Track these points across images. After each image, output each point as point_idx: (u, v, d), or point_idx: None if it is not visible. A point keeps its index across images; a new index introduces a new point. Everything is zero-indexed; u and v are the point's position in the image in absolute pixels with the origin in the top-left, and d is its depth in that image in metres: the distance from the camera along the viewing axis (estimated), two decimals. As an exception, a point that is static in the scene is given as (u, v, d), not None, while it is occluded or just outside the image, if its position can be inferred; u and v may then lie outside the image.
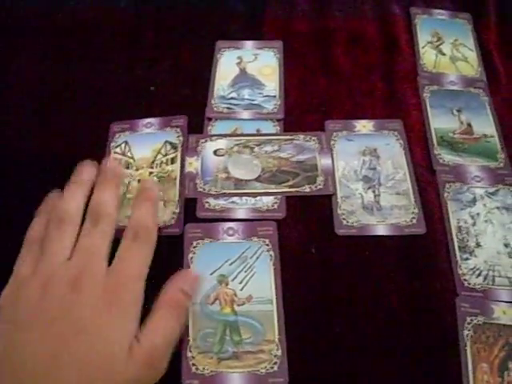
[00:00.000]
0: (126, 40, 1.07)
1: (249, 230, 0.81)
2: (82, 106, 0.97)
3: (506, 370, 0.71)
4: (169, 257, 0.79)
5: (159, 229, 0.75)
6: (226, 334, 0.73)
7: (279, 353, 0.71)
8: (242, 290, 0.76)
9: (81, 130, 0.93)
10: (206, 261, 0.78)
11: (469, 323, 0.75)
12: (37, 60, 1.05)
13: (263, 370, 0.70)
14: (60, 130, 0.94)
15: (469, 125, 0.95)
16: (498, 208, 0.85)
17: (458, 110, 0.97)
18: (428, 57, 1.05)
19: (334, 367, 0.72)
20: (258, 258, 0.79)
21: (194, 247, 0.80)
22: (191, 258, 0.79)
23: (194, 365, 0.70)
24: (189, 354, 0.71)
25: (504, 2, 1.17)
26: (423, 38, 1.09)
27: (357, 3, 1.15)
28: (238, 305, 0.75)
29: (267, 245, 0.79)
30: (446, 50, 1.07)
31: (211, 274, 0.77)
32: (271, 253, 0.79)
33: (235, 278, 0.77)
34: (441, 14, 1.14)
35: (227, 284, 0.76)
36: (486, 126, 0.95)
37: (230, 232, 0.81)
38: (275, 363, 0.70)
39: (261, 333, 0.72)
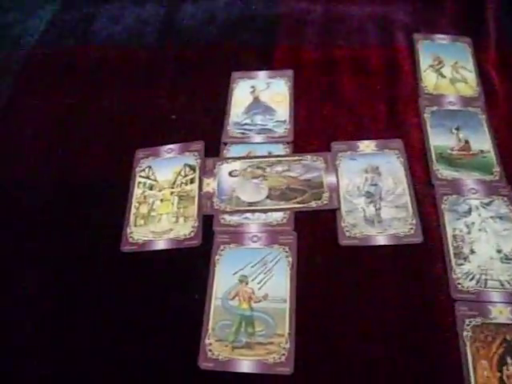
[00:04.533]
0: (148, 74, 1.17)
1: (271, 238, 0.90)
2: (109, 136, 1.07)
3: (504, 365, 0.77)
4: (192, 265, 0.89)
5: (182, 241, 0.87)
6: (241, 326, 0.82)
7: (287, 346, 0.79)
8: (259, 289, 0.85)
9: (108, 157, 1.03)
10: (230, 262, 0.88)
11: (468, 325, 0.81)
12: (67, 94, 1.16)
13: (271, 360, 0.78)
14: (88, 157, 1.04)
15: (466, 142, 1.01)
16: (492, 217, 0.91)
17: (457, 129, 1.03)
18: (429, 79, 1.13)
19: (334, 364, 0.79)
20: (276, 262, 0.87)
21: (222, 250, 0.89)
22: (217, 259, 0.88)
23: (210, 350, 0.79)
24: (207, 341, 0.80)
25: (503, 25, 1.23)
26: (425, 61, 1.17)
27: (362, 32, 1.23)
28: (255, 302, 0.84)
29: (286, 251, 0.88)
30: (447, 73, 1.14)
31: (234, 273, 0.87)
32: (289, 259, 0.87)
33: (255, 278, 0.86)
34: (442, 39, 1.21)
35: (247, 283, 0.86)
36: (482, 142, 1.02)
37: (254, 239, 0.90)
38: (283, 354, 0.78)
39: (273, 327, 0.81)
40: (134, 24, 1.29)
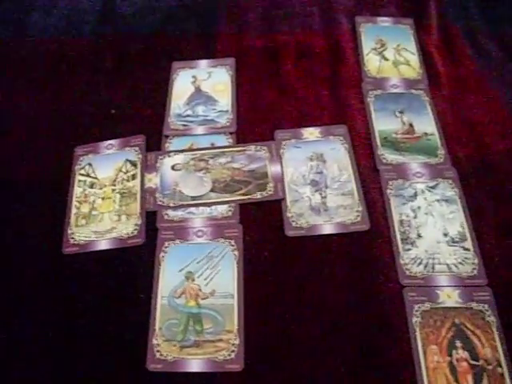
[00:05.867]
0: (86, 66, 1.13)
1: (216, 232, 0.88)
2: (45, 132, 1.03)
3: (454, 349, 0.77)
4: (136, 264, 0.86)
5: (125, 239, 0.85)
6: (189, 324, 0.80)
7: (237, 342, 0.78)
8: (206, 285, 0.83)
9: (46, 154, 0.99)
10: (175, 259, 0.86)
11: (416, 310, 0.80)
12: (2, 88, 1.11)
13: (221, 357, 0.76)
14: (24, 156, 1.00)
15: (410, 125, 1.01)
16: (437, 200, 0.91)
17: (401, 112, 1.03)
18: (372, 63, 1.12)
19: (286, 357, 0.78)
20: (223, 257, 0.86)
21: (166, 247, 0.86)
22: (162, 256, 0.85)
23: (158, 351, 0.78)
24: (154, 342, 0.78)
25: (445, 6, 1.23)
26: (367, 44, 1.16)
27: (305, 17, 1.21)
28: (202, 298, 0.82)
29: (232, 245, 0.86)
30: (389, 55, 1.14)
31: (180, 270, 0.85)
32: (235, 252, 0.86)
33: (201, 274, 0.84)
34: (384, 21, 1.21)
35: (193, 280, 0.84)
36: (426, 124, 1.02)
37: (199, 234, 0.88)
38: (233, 351, 0.77)
39: (221, 324, 0.79)
40: (71, 14, 1.25)
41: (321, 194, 0.91)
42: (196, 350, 0.78)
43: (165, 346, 0.78)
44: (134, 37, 1.18)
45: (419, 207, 0.90)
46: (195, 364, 0.77)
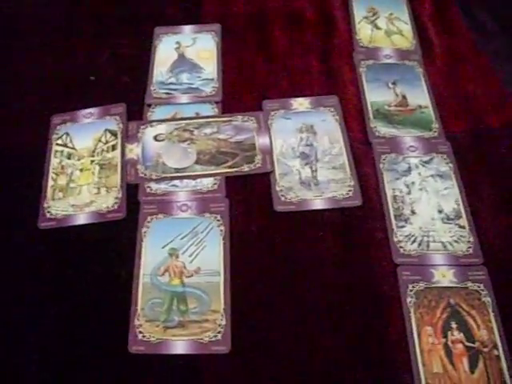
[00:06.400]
0: (64, 31, 1.07)
1: (202, 206, 0.83)
2: (20, 99, 0.97)
3: (449, 330, 0.74)
4: (117, 239, 0.82)
5: (105, 214, 0.80)
6: (173, 303, 0.76)
7: (223, 322, 0.74)
8: (191, 262, 0.79)
9: (21, 122, 0.94)
10: (158, 235, 0.81)
11: (411, 290, 0.77)
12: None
13: (207, 339, 0.73)
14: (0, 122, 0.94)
15: (404, 97, 0.97)
16: (432, 176, 0.88)
17: (394, 83, 0.99)
18: (364, 32, 1.08)
19: (275, 338, 0.74)
20: (208, 232, 0.81)
21: (148, 222, 0.82)
22: (144, 232, 0.81)
23: (141, 332, 0.74)
24: (136, 323, 0.74)
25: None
26: (359, 13, 1.11)
27: (294, -17, 1.16)
28: (187, 276, 0.78)
29: (218, 220, 0.82)
30: (382, 24, 1.10)
31: (163, 247, 0.80)
32: (221, 228, 0.81)
33: (186, 251, 0.80)
34: (377, -11, 1.16)
35: (177, 257, 0.79)
36: (420, 97, 0.98)
37: (184, 208, 0.83)
38: (219, 332, 0.73)
39: (207, 303, 0.76)
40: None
41: (311, 167, 0.87)
42: (180, 330, 0.74)
43: (147, 327, 0.74)
44: (114, 1, 1.12)
45: (413, 182, 0.87)
46: (180, 346, 0.73)
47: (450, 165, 0.89)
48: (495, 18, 1.13)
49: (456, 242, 0.81)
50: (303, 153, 0.89)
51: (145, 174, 0.86)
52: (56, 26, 1.09)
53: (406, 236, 0.81)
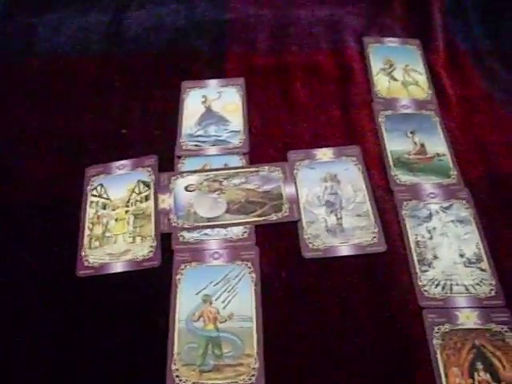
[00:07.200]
0: (96, 86, 1.13)
1: (233, 254, 0.87)
2: (57, 153, 1.02)
3: (475, 371, 0.77)
4: (153, 287, 0.85)
5: (140, 262, 0.85)
6: (208, 348, 0.79)
7: (257, 366, 0.77)
8: (224, 308, 0.82)
9: (57, 176, 0.99)
10: (192, 282, 0.85)
11: (437, 332, 0.80)
12: (10, 108, 1.10)
13: (241, 382, 0.76)
14: (36, 177, 0.99)
15: (422, 145, 1.01)
16: (452, 221, 0.91)
17: (412, 132, 1.03)
18: (381, 83, 1.12)
19: (307, 382, 0.77)
20: (240, 279, 0.85)
21: (182, 270, 0.86)
22: (179, 279, 0.85)
23: (177, 376, 0.76)
24: (173, 367, 0.77)
25: (451, 25, 1.24)
26: (376, 65, 1.16)
27: (312, 36, 1.22)
28: (221, 322, 0.81)
29: (249, 267, 0.86)
30: (398, 76, 1.14)
31: (197, 293, 0.84)
32: (253, 275, 0.85)
33: (219, 297, 0.83)
34: (392, 42, 1.21)
35: (211, 303, 0.83)
36: (438, 145, 1.02)
37: (216, 256, 0.87)
38: (253, 375, 0.76)
39: (240, 347, 0.78)
40: (78, 33, 1.24)
41: (336, 215, 0.91)
42: (216, 374, 0.77)
43: (184, 371, 0.77)
44: (143, 56, 1.18)
45: (434, 228, 0.90)
46: (216, 389, 0.75)
47: (470, 210, 0.92)
48: (508, 67, 1.17)
49: (478, 284, 0.84)
50: (328, 201, 0.93)
51: (177, 224, 0.90)
52: (87, 80, 1.14)
53: (430, 280, 0.85)
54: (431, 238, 0.89)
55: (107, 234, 0.91)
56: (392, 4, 1.29)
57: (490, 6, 1.29)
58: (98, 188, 0.96)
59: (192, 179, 0.96)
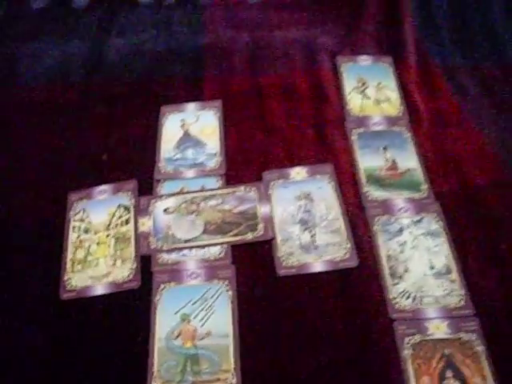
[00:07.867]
0: (77, 113, 1.16)
1: (210, 273, 0.90)
2: (39, 179, 1.05)
3: (444, 380, 0.79)
4: (133, 307, 0.89)
5: (121, 284, 0.88)
6: (187, 365, 0.82)
7: (234, 381, 0.80)
8: (202, 326, 0.85)
9: (38, 201, 1.02)
10: (171, 301, 0.88)
11: (407, 343, 0.83)
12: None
13: None
14: (19, 203, 1.02)
15: (393, 161, 1.04)
16: (423, 234, 0.94)
17: (384, 148, 1.06)
18: (354, 101, 1.16)
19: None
20: (217, 298, 0.88)
21: (161, 290, 0.89)
22: (158, 299, 0.88)
23: None
24: (153, 384, 0.80)
25: (423, 44, 1.27)
26: (349, 84, 1.20)
27: (288, 57, 1.26)
28: (199, 339, 0.84)
29: (226, 285, 0.89)
30: (371, 94, 1.18)
31: (175, 313, 0.87)
32: (230, 293, 0.88)
33: (197, 315, 0.86)
34: (365, 60, 1.25)
35: (189, 321, 0.86)
36: (409, 160, 1.05)
37: (194, 275, 0.90)
38: None
39: (218, 363, 0.81)
40: (59, 62, 1.28)
41: (310, 232, 0.94)
42: (194, 391, 0.79)
43: (163, 389, 0.79)
44: (123, 82, 1.22)
45: (405, 242, 0.93)
46: (194, 404, 0.78)
47: (440, 223, 0.95)
48: (479, 83, 1.20)
49: (448, 295, 0.87)
50: (302, 219, 0.96)
51: (156, 246, 0.93)
52: (68, 108, 1.18)
53: (401, 292, 0.87)
54: (402, 252, 0.92)
55: (89, 258, 0.94)
56: (365, 21, 1.32)
57: (461, 21, 1.33)
58: (80, 213, 0.99)
59: (170, 202, 0.99)
